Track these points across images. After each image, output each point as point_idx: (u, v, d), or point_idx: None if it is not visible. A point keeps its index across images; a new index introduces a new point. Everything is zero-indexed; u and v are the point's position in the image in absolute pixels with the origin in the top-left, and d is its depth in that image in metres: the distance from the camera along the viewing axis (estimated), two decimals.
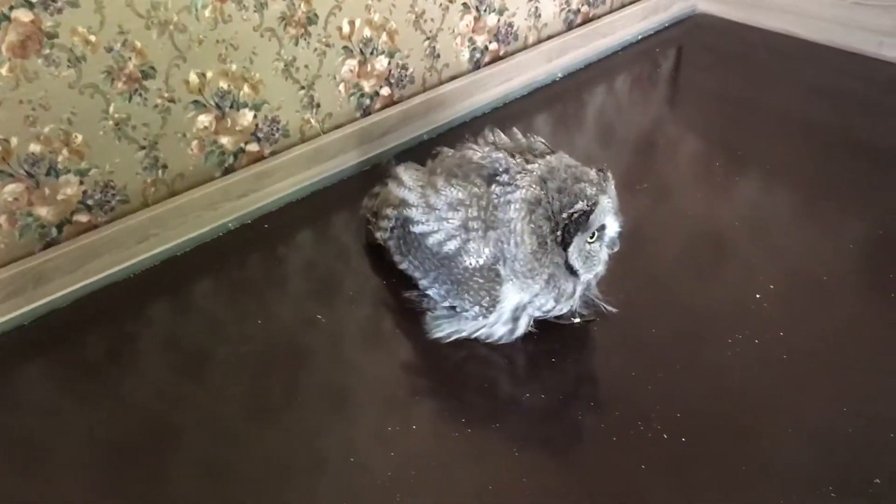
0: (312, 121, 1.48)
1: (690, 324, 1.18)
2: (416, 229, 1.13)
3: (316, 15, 1.38)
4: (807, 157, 1.59)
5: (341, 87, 1.49)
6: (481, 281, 1.08)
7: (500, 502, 0.93)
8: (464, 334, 1.12)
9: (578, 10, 1.93)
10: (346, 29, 1.44)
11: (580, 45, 1.93)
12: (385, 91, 1.58)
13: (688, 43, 2.08)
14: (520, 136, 1.18)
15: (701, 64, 1.99)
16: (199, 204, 1.33)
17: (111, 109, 1.20)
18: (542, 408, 1.05)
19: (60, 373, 1.13)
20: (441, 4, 1.59)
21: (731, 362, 1.11)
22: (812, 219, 1.41)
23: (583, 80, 1.90)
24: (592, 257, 1.06)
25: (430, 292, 1.16)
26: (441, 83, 1.67)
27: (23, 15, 1.06)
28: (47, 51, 1.10)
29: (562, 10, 1.88)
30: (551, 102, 1.80)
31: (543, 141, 1.16)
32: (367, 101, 1.55)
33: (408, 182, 1.15)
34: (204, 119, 1.31)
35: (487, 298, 1.08)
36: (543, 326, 1.14)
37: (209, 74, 1.29)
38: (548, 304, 1.08)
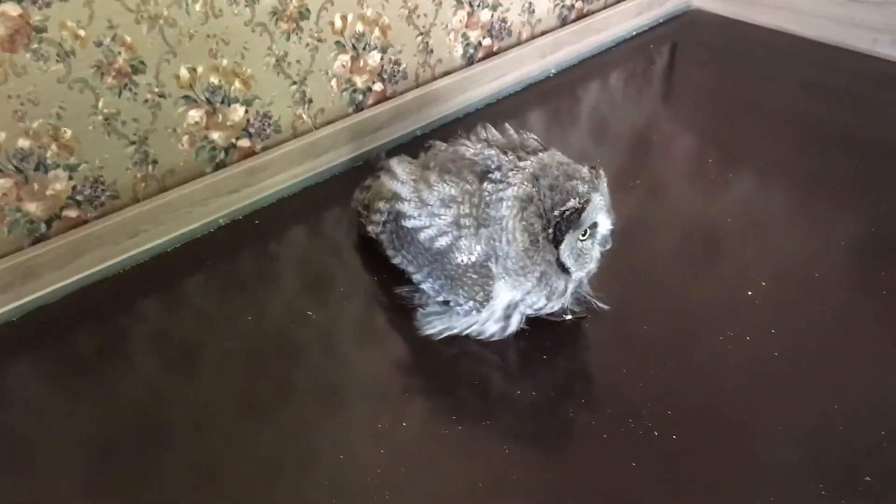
0: (304, 116, 1.47)
1: (682, 321, 1.18)
2: (408, 224, 1.12)
3: (308, 10, 1.38)
4: (800, 153, 1.59)
5: (333, 82, 1.48)
6: (475, 276, 1.07)
7: (490, 499, 0.93)
8: (455, 331, 1.12)
9: (572, 6, 1.92)
10: (338, 24, 1.44)
11: (574, 41, 1.92)
12: (378, 86, 1.57)
13: (682, 39, 2.07)
14: (512, 132, 1.18)
15: (695, 60, 1.99)
16: (189, 200, 1.32)
17: (101, 104, 1.19)
18: (533, 405, 1.05)
19: (49, 369, 1.12)
20: (434, 0, 1.58)
21: (722, 360, 1.10)
22: (804, 216, 1.40)
23: (577, 76, 1.89)
24: (584, 255, 1.06)
25: (423, 287, 1.16)
26: (434, 79, 1.67)
27: (10, 9, 1.05)
28: (36, 45, 1.09)
29: (556, 5, 1.87)
30: (545, 98, 1.80)
31: (536, 138, 1.16)
32: (360, 97, 1.55)
33: (401, 175, 1.15)
34: (194, 114, 1.31)
35: (482, 293, 1.08)
36: (535, 323, 1.14)
37: (200, 69, 1.28)
38: (540, 302, 1.08)
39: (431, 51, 1.63)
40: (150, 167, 1.29)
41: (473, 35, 1.71)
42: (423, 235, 1.10)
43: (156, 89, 1.24)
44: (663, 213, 1.41)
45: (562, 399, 1.06)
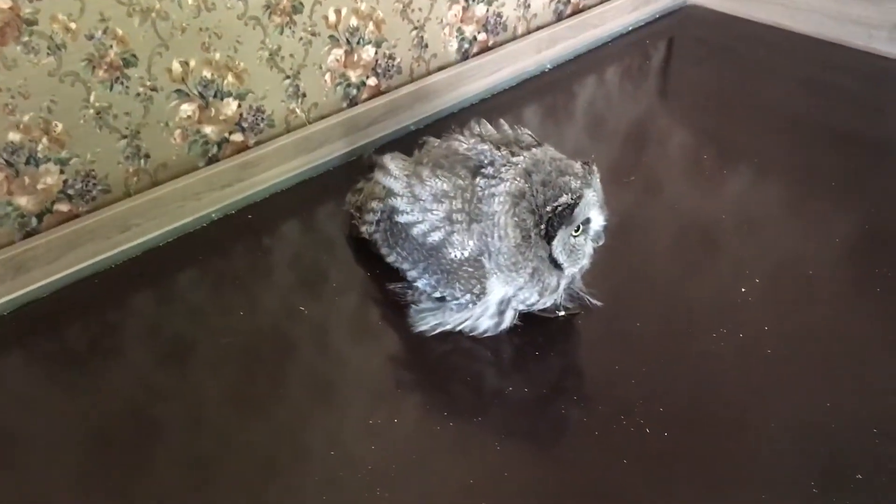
0: (298, 111, 1.46)
1: (675, 318, 1.17)
2: (401, 219, 1.12)
3: (301, 3, 1.37)
4: (795, 150, 1.59)
5: (327, 76, 1.48)
6: (471, 270, 1.07)
7: (481, 496, 0.92)
8: (448, 327, 1.12)
9: (569, 1, 1.91)
10: (332, 18, 1.43)
11: (570, 36, 1.91)
12: (372, 81, 1.56)
13: (678, 35, 2.07)
14: (507, 127, 1.17)
15: (691, 56, 1.98)
16: (182, 194, 1.32)
17: (92, 98, 1.18)
18: (526, 401, 1.04)
19: (40, 364, 1.12)
20: None
21: (715, 357, 1.10)
22: (799, 213, 1.40)
23: (572, 71, 1.89)
24: (577, 251, 1.05)
25: (418, 284, 1.15)
26: (429, 73, 1.66)
27: (1, 1, 1.05)
28: (26, 38, 1.09)
29: (551, 0, 1.87)
30: (540, 94, 1.79)
31: (530, 133, 1.15)
32: (354, 91, 1.54)
33: (394, 171, 1.14)
34: (187, 108, 1.30)
35: (478, 286, 1.07)
36: (528, 320, 1.13)
37: (192, 63, 1.27)
38: (532, 298, 1.08)
39: (426, 45, 1.63)
40: (142, 161, 1.28)
41: (468, 30, 1.70)
42: (416, 230, 1.10)
43: (148, 83, 1.23)
44: (658, 209, 1.41)
45: (554, 396, 1.06)
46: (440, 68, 1.68)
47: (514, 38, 1.82)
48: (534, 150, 1.07)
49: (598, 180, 1.05)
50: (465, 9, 1.67)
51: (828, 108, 1.72)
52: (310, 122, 1.49)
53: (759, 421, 1.01)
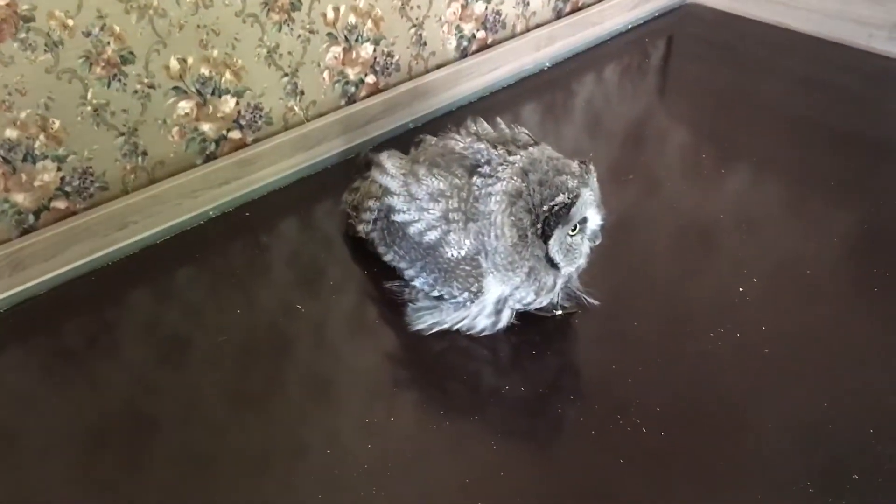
0: (296, 108, 1.46)
1: (673, 317, 1.17)
2: (398, 218, 1.12)
3: (299, 1, 1.36)
4: (794, 149, 1.59)
5: (325, 74, 1.48)
6: (468, 269, 1.07)
7: (478, 495, 0.92)
8: (445, 326, 1.12)
9: None
10: (330, 15, 1.42)
11: (569, 34, 1.91)
12: (370, 79, 1.56)
13: (678, 33, 2.06)
14: (503, 126, 1.17)
15: (690, 54, 1.98)
16: (179, 191, 1.32)
17: (89, 95, 1.18)
18: (523, 400, 1.04)
19: (37, 361, 1.12)
20: None
21: (712, 356, 1.10)
22: (798, 212, 1.40)
23: (571, 69, 1.89)
24: (574, 250, 1.05)
25: (416, 283, 1.15)
26: (427, 71, 1.66)
27: None
28: (23, 34, 1.08)
29: None
30: (539, 92, 1.79)
31: (527, 132, 1.15)
32: (352, 89, 1.54)
33: (390, 170, 1.14)
34: (185, 105, 1.30)
35: (475, 285, 1.07)
36: (525, 318, 1.13)
37: (190, 60, 1.27)
38: (528, 297, 1.07)
39: (425, 43, 1.63)
40: (139, 158, 1.28)
41: (467, 27, 1.70)
42: (412, 229, 1.10)
43: (145, 80, 1.23)
44: (656, 208, 1.41)
45: (551, 395, 1.05)
46: (439, 66, 1.68)
47: (513, 35, 1.82)
48: (531, 149, 1.07)
49: (595, 179, 1.04)
50: (463, 6, 1.66)
51: (828, 107, 1.72)
52: (308, 119, 1.49)
53: (756, 421, 1.01)
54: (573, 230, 1.03)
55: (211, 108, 1.33)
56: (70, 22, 1.12)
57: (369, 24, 1.50)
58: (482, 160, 1.07)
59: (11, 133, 1.13)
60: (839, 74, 1.85)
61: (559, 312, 1.16)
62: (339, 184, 1.36)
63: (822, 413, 1.02)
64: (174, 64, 1.25)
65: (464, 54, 1.73)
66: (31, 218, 1.20)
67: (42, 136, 1.16)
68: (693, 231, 1.35)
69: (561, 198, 1.00)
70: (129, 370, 1.09)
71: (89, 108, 1.19)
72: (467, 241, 1.05)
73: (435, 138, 1.19)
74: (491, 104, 1.72)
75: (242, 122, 1.39)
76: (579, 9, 1.95)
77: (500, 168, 1.04)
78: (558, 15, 1.91)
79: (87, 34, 1.14)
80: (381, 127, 1.58)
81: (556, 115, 1.73)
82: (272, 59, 1.38)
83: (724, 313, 1.17)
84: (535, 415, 1.03)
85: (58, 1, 1.10)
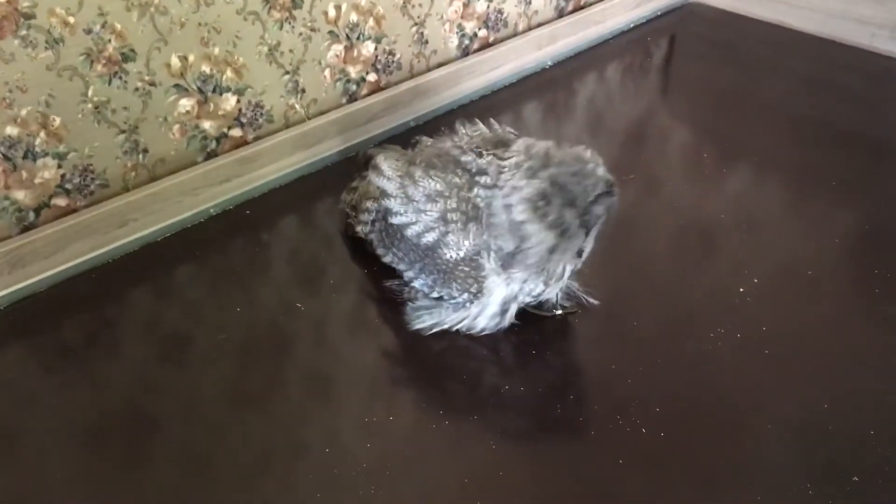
0: (297, 106, 1.46)
1: (673, 317, 1.17)
2: (395, 220, 1.11)
3: None
4: (796, 149, 1.58)
5: (327, 72, 1.47)
6: (467, 270, 1.06)
7: (477, 495, 0.92)
8: (445, 326, 1.11)
9: None
10: (331, 13, 1.42)
11: (571, 33, 1.91)
12: (371, 77, 1.56)
13: (680, 32, 2.06)
14: (497, 126, 1.15)
15: (693, 53, 1.98)
16: (180, 189, 1.32)
17: (90, 92, 1.18)
18: (522, 400, 1.04)
19: (37, 358, 1.12)
20: None
21: (712, 357, 1.10)
22: (799, 212, 1.40)
23: (573, 68, 1.88)
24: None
25: (415, 284, 1.15)
26: (429, 70, 1.66)
27: None
28: (24, 32, 1.08)
29: None
30: (541, 91, 1.79)
31: (512, 130, 1.14)
32: (354, 87, 1.54)
33: (387, 172, 1.14)
34: (186, 103, 1.30)
35: (475, 286, 1.07)
36: (525, 318, 1.13)
37: (191, 58, 1.27)
38: (538, 288, 1.06)
39: (426, 41, 1.62)
40: (140, 156, 1.28)
41: (469, 26, 1.70)
42: (410, 232, 1.10)
43: (146, 78, 1.23)
44: (657, 207, 1.41)
45: (550, 395, 1.05)
46: (440, 65, 1.67)
47: (515, 34, 1.81)
48: (540, 145, 1.05)
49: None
50: (465, 5, 1.66)
51: (829, 107, 1.72)
52: (309, 117, 1.48)
53: (756, 422, 1.01)
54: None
55: (212, 105, 1.33)
56: (71, 19, 1.12)
57: (371, 22, 1.50)
58: (474, 170, 1.06)
59: (12, 130, 1.13)
60: (841, 74, 1.85)
61: (559, 312, 1.15)
62: (340, 182, 1.36)
63: (822, 414, 1.02)
64: (175, 61, 1.25)
65: (465, 53, 1.72)
66: (31, 215, 1.20)
67: (43, 134, 1.16)
68: (694, 231, 1.34)
69: (601, 185, 0.99)
70: (128, 368, 1.09)
71: (90, 105, 1.19)
72: (466, 242, 1.05)
73: (431, 140, 1.18)
74: (492, 103, 1.72)
75: (243, 120, 1.39)
76: (581, 7, 1.95)
77: (504, 176, 1.02)
78: (560, 14, 1.91)
79: (88, 31, 1.14)
80: (382, 125, 1.58)
81: (558, 114, 1.73)
82: (273, 57, 1.38)
83: (724, 313, 1.17)
84: (534, 415, 1.03)
85: None
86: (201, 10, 1.24)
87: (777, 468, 0.95)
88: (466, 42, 1.71)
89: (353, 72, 1.52)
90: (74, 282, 1.23)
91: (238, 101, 1.36)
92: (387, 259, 1.19)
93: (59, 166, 1.20)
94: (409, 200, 1.09)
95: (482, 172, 1.05)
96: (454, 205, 1.05)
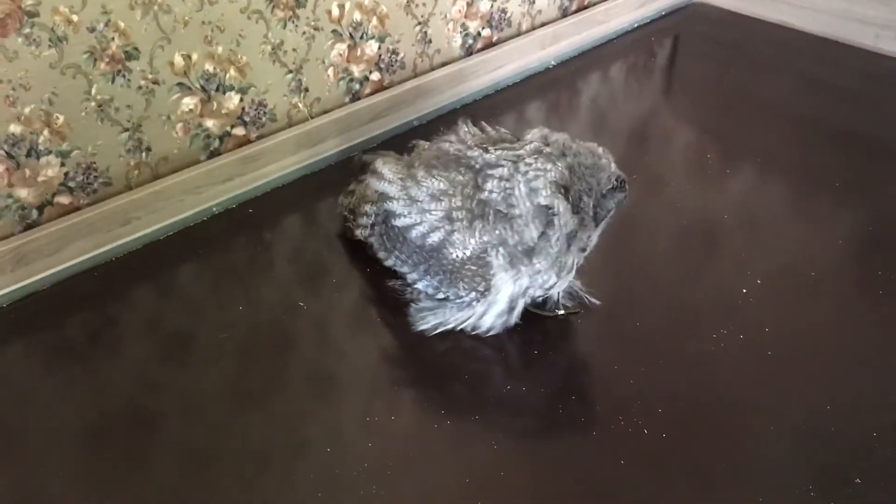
0: (300, 105, 1.46)
1: (675, 318, 1.17)
2: (398, 222, 1.11)
3: None
4: (799, 150, 1.58)
5: (330, 71, 1.47)
6: (474, 268, 1.06)
7: (478, 494, 0.92)
8: (450, 326, 1.11)
9: None
10: (335, 12, 1.42)
11: (575, 33, 1.91)
12: (375, 76, 1.56)
13: (684, 32, 2.06)
14: (490, 129, 1.15)
15: (696, 53, 1.97)
16: (182, 188, 1.32)
17: (94, 90, 1.18)
18: (524, 400, 1.04)
19: (39, 356, 1.12)
20: None
21: (714, 358, 1.10)
22: (802, 213, 1.40)
23: (577, 67, 1.88)
24: None
25: (419, 286, 1.14)
26: (432, 69, 1.65)
27: None
28: (28, 30, 1.08)
29: None
30: (544, 90, 1.79)
31: (508, 131, 1.14)
32: (357, 86, 1.54)
33: (387, 175, 1.13)
34: (189, 102, 1.30)
35: (483, 284, 1.06)
36: (527, 319, 1.13)
37: (195, 56, 1.27)
38: (550, 280, 1.06)
39: (430, 41, 1.62)
40: (143, 154, 1.28)
41: (473, 25, 1.70)
42: (414, 233, 1.09)
43: (150, 76, 1.23)
44: (660, 207, 1.40)
45: (552, 395, 1.05)
46: (443, 64, 1.67)
47: (519, 34, 1.81)
48: (555, 136, 1.06)
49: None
50: (469, 4, 1.66)
51: (833, 107, 1.72)
52: (312, 116, 1.48)
53: (757, 422, 1.01)
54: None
55: (215, 104, 1.33)
56: (74, 17, 1.12)
57: (374, 21, 1.50)
58: (481, 166, 1.06)
59: (15, 128, 1.13)
60: (845, 74, 1.84)
61: (561, 312, 1.15)
62: (343, 181, 1.36)
63: (824, 415, 1.01)
64: (178, 60, 1.25)
65: (469, 52, 1.72)
66: (34, 213, 1.20)
67: (46, 132, 1.16)
68: (697, 231, 1.34)
69: (614, 180, 1.00)
70: (130, 366, 1.09)
71: (93, 103, 1.19)
72: (472, 240, 1.04)
73: (428, 143, 1.18)
74: (496, 102, 1.72)
75: (246, 119, 1.39)
76: (585, 7, 1.94)
77: (527, 160, 1.02)
78: (564, 13, 1.91)
79: (92, 30, 1.14)
80: (385, 124, 1.58)
81: (562, 114, 1.72)
82: (277, 56, 1.38)
83: (726, 314, 1.16)
84: (536, 415, 1.03)
85: None
86: (205, 8, 1.24)
87: (778, 469, 0.95)
88: (470, 41, 1.71)
89: (357, 71, 1.52)
90: (77, 280, 1.23)
91: (241, 99, 1.36)
92: (389, 262, 1.18)
93: (63, 164, 1.20)
94: (412, 201, 1.09)
95: (495, 165, 1.04)
96: (459, 203, 1.04)
